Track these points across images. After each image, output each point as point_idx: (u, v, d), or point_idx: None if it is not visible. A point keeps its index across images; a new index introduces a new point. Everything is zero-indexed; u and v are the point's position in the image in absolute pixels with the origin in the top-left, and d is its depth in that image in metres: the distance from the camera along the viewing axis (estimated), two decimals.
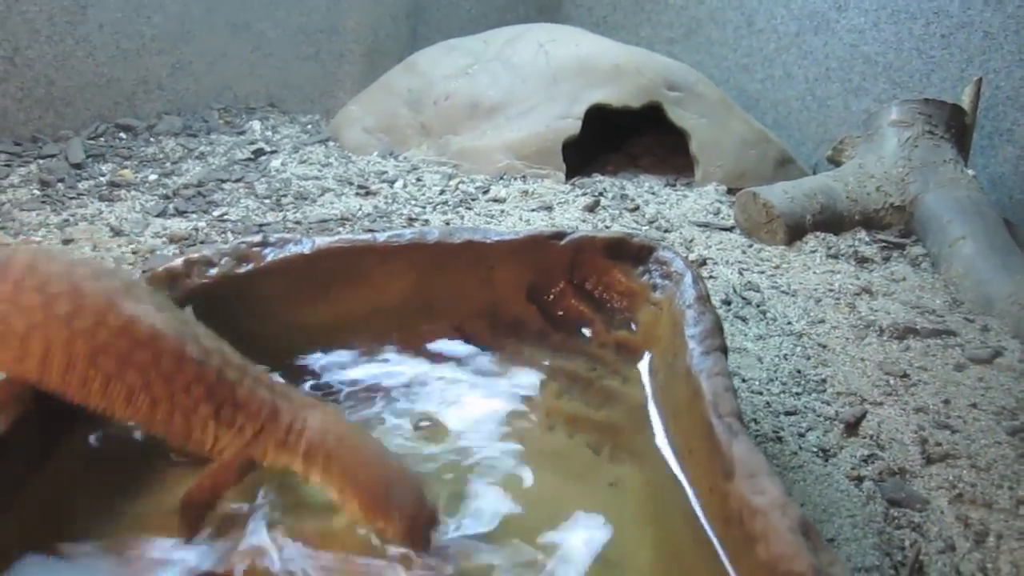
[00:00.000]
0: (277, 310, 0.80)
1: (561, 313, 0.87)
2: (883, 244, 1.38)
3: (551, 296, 0.88)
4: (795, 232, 1.39)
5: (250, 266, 0.78)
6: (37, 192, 1.40)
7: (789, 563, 0.54)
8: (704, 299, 0.79)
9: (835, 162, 1.64)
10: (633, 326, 0.85)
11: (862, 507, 0.79)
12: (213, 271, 0.76)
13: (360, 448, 0.64)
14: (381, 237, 0.84)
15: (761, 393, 0.94)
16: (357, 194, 1.50)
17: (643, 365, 0.82)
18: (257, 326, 0.79)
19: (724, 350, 0.73)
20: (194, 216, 1.36)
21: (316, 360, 0.81)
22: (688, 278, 0.82)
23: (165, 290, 0.73)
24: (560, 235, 0.88)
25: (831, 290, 1.21)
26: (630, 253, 0.87)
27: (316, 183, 1.53)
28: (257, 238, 0.80)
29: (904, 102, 1.55)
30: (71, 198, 1.39)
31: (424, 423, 0.76)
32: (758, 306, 1.15)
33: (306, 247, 0.81)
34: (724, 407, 0.66)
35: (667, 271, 0.85)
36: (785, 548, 0.55)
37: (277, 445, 0.63)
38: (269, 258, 0.79)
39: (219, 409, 0.62)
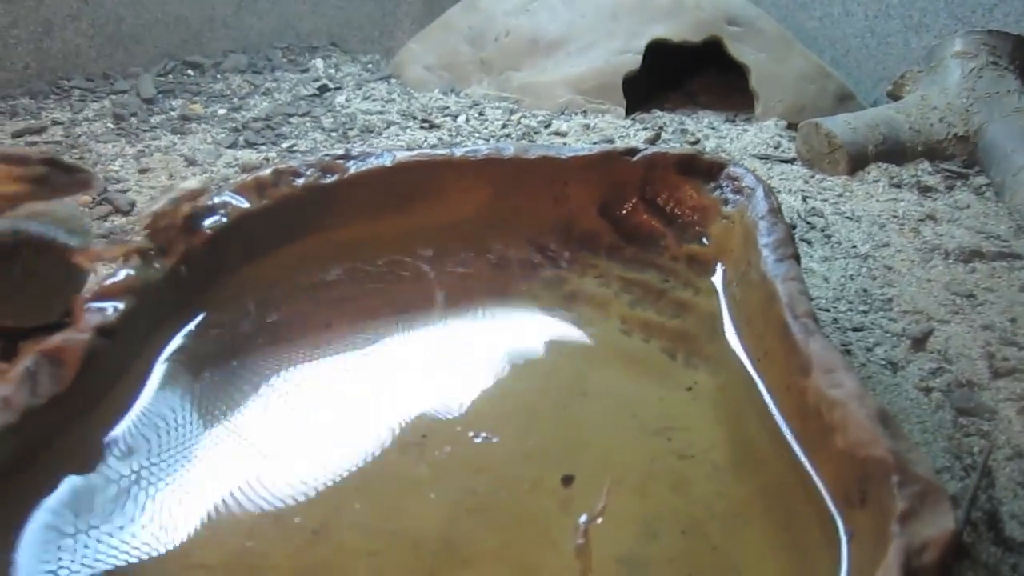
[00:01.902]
0: (359, 220, 0.83)
1: (633, 228, 0.89)
2: (946, 174, 1.38)
3: (623, 211, 0.90)
4: (857, 162, 1.39)
5: (335, 177, 0.81)
6: (111, 126, 1.44)
7: (867, 449, 0.56)
8: (776, 211, 0.80)
9: (896, 97, 1.63)
10: (705, 240, 0.86)
11: (931, 414, 0.80)
12: (300, 181, 0.79)
13: None
14: (459, 152, 0.86)
15: (828, 311, 0.95)
16: (421, 127, 1.52)
17: (715, 277, 0.83)
18: (340, 235, 0.82)
19: (797, 258, 0.74)
20: (264, 147, 1.38)
21: (398, 270, 0.83)
22: (760, 192, 0.83)
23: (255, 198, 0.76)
24: (632, 151, 0.89)
25: (895, 216, 1.22)
26: (701, 169, 0.89)
27: (380, 117, 1.55)
28: (340, 151, 0.82)
29: (968, 33, 1.54)
30: (144, 131, 1.42)
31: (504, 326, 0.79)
32: (822, 230, 1.16)
33: (387, 160, 0.83)
34: (800, 308, 0.67)
35: (738, 186, 0.86)
36: (863, 435, 0.56)
37: None
38: (352, 170, 0.82)
39: None
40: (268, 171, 0.78)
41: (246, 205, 0.76)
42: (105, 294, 0.62)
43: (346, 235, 0.83)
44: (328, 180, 0.80)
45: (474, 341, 0.78)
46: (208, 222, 0.73)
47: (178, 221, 0.70)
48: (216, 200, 0.75)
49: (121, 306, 0.62)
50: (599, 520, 0.60)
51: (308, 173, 0.80)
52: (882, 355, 0.88)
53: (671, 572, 0.57)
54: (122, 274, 0.64)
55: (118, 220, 1.11)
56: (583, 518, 0.60)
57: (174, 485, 0.62)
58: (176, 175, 1.25)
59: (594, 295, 0.83)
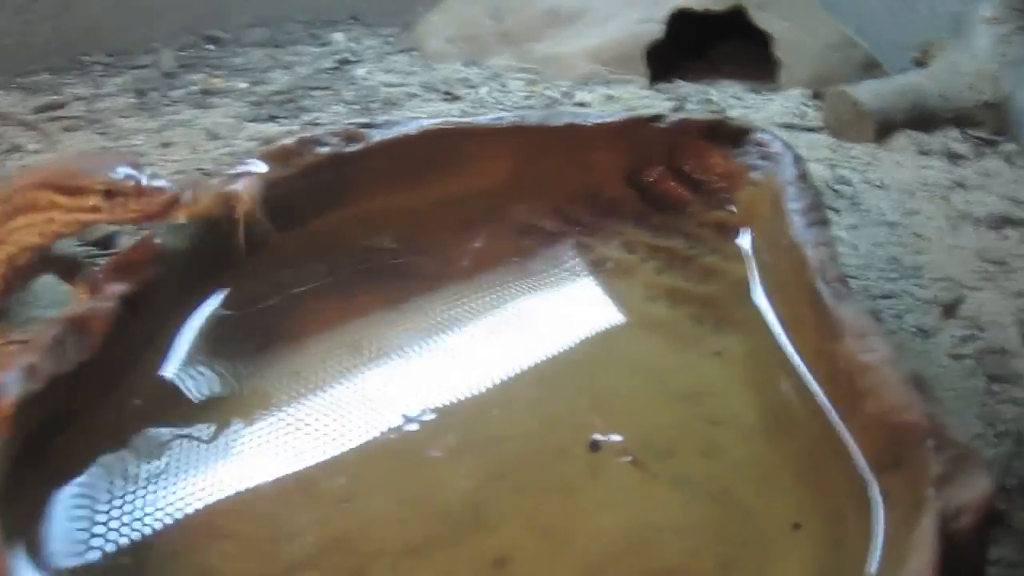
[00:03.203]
0: (383, 189, 0.82)
1: (659, 195, 0.88)
2: (976, 141, 1.36)
3: (649, 178, 0.89)
4: (885, 130, 1.37)
5: (359, 146, 0.80)
6: (133, 100, 1.44)
7: (901, 413, 0.55)
8: (804, 176, 0.79)
9: (923, 65, 1.60)
10: (732, 207, 0.85)
11: (963, 381, 0.79)
12: (324, 149, 0.78)
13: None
14: (483, 120, 0.85)
15: (857, 278, 0.94)
16: (443, 99, 1.51)
17: (743, 243, 0.82)
18: (364, 203, 0.81)
19: (826, 223, 0.73)
20: (286, 121, 1.38)
21: (422, 239, 0.83)
22: (788, 157, 0.82)
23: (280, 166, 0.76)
24: (658, 118, 0.88)
25: (924, 184, 1.20)
26: (728, 136, 0.88)
27: (402, 89, 1.54)
28: (364, 120, 0.82)
29: None
30: (166, 105, 1.42)
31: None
32: (850, 198, 1.14)
33: (411, 128, 0.82)
34: (830, 273, 0.66)
35: (766, 152, 0.85)
36: (897, 399, 0.56)
37: None
38: (376, 139, 0.81)
39: None
40: (293, 140, 0.78)
41: (271, 173, 0.75)
42: (130, 263, 0.62)
43: (370, 205, 0.82)
44: (352, 149, 0.80)
45: (499, 309, 0.77)
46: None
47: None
48: (240, 168, 0.74)
49: (146, 275, 0.62)
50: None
51: (332, 142, 0.79)
52: (912, 322, 0.87)
53: (702, 540, 0.57)
54: (147, 243, 0.64)
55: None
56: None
57: (201, 456, 0.61)
58: (199, 149, 1.25)
59: (619, 262, 0.82)
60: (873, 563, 0.52)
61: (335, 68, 1.67)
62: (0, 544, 0.43)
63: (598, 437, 0.63)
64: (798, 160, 0.81)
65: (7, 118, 1.32)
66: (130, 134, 1.29)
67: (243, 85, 1.54)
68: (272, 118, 1.39)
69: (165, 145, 1.26)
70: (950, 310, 0.90)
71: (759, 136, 0.86)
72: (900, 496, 0.53)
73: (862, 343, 0.60)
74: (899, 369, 0.57)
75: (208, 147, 1.25)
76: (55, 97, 1.42)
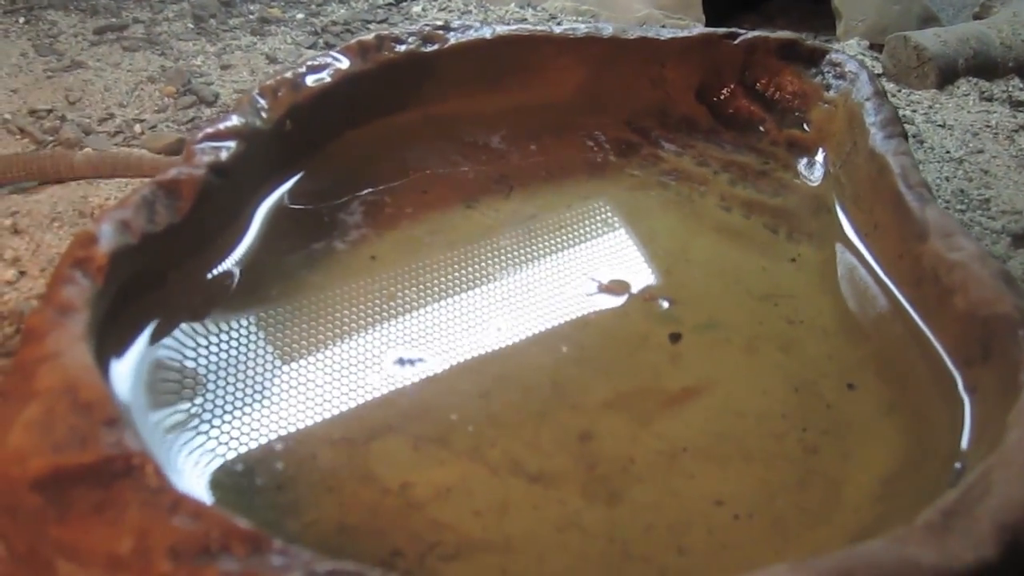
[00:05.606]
0: (457, 91, 0.82)
1: (731, 113, 0.88)
2: None
3: (721, 96, 0.88)
4: (946, 76, 1.35)
5: (435, 46, 0.80)
6: (191, 26, 1.44)
7: (992, 307, 0.55)
8: (881, 93, 0.78)
9: (983, 19, 1.58)
10: (806, 125, 0.85)
11: None
12: (401, 47, 0.78)
13: None
14: (558, 29, 0.85)
15: None
16: None
17: (817, 159, 0.82)
18: (437, 105, 0.81)
19: (905, 136, 0.73)
20: None
21: (495, 143, 0.83)
22: (864, 76, 0.81)
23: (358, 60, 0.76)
24: (733, 35, 0.88)
25: (988, 126, 1.19)
26: (803, 55, 0.87)
27: None
28: (440, 22, 0.82)
29: None
30: (224, 31, 1.42)
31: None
32: (914, 136, 1.13)
33: (487, 33, 0.82)
34: (912, 178, 0.66)
35: (841, 71, 0.84)
36: (987, 293, 0.56)
37: None
38: (452, 40, 0.80)
39: None
40: (371, 36, 0.77)
41: (349, 66, 0.75)
42: (217, 135, 0.62)
43: (444, 107, 0.82)
44: (429, 49, 0.79)
45: (572, 212, 0.77)
46: (312, 79, 0.72)
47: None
48: (319, 60, 0.74)
49: (232, 147, 0.62)
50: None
51: (409, 40, 0.79)
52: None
53: (784, 426, 0.57)
54: (233, 118, 0.64)
55: (205, 111, 1.12)
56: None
57: (281, 327, 0.62)
58: (258, 71, 1.25)
59: (692, 173, 0.81)
60: (963, 448, 0.52)
61: (391, 4, 1.66)
62: (100, 379, 0.43)
63: (678, 330, 0.63)
64: (873, 78, 0.81)
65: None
66: (190, 56, 1.30)
67: (300, 16, 1.54)
68: (330, 46, 1.39)
69: (225, 67, 1.26)
70: (1020, 240, 0.89)
71: (834, 56, 0.86)
72: (989, 387, 0.53)
73: (949, 242, 0.60)
74: (988, 265, 0.57)
75: (268, 71, 1.26)
76: (115, 20, 1.43)
